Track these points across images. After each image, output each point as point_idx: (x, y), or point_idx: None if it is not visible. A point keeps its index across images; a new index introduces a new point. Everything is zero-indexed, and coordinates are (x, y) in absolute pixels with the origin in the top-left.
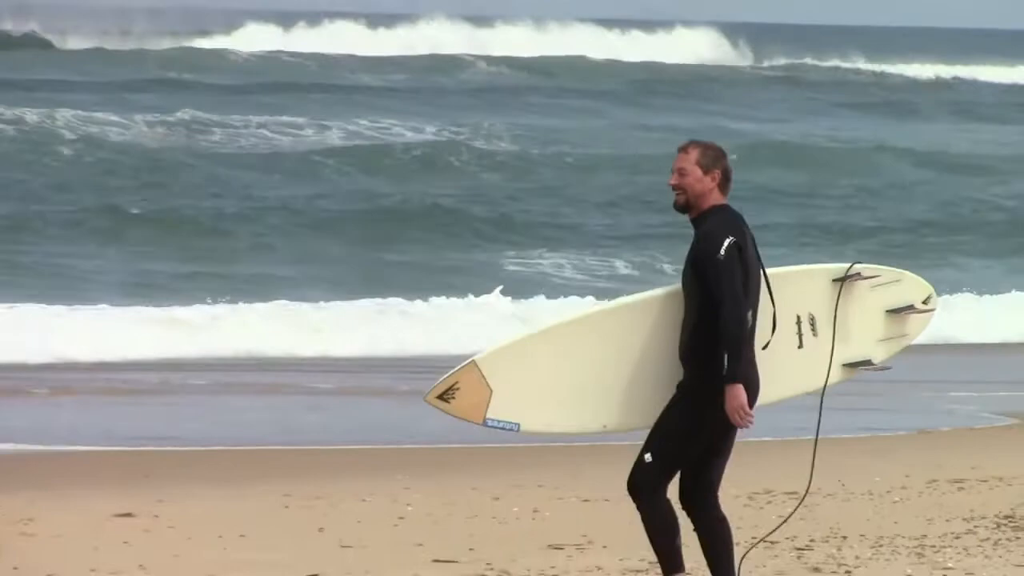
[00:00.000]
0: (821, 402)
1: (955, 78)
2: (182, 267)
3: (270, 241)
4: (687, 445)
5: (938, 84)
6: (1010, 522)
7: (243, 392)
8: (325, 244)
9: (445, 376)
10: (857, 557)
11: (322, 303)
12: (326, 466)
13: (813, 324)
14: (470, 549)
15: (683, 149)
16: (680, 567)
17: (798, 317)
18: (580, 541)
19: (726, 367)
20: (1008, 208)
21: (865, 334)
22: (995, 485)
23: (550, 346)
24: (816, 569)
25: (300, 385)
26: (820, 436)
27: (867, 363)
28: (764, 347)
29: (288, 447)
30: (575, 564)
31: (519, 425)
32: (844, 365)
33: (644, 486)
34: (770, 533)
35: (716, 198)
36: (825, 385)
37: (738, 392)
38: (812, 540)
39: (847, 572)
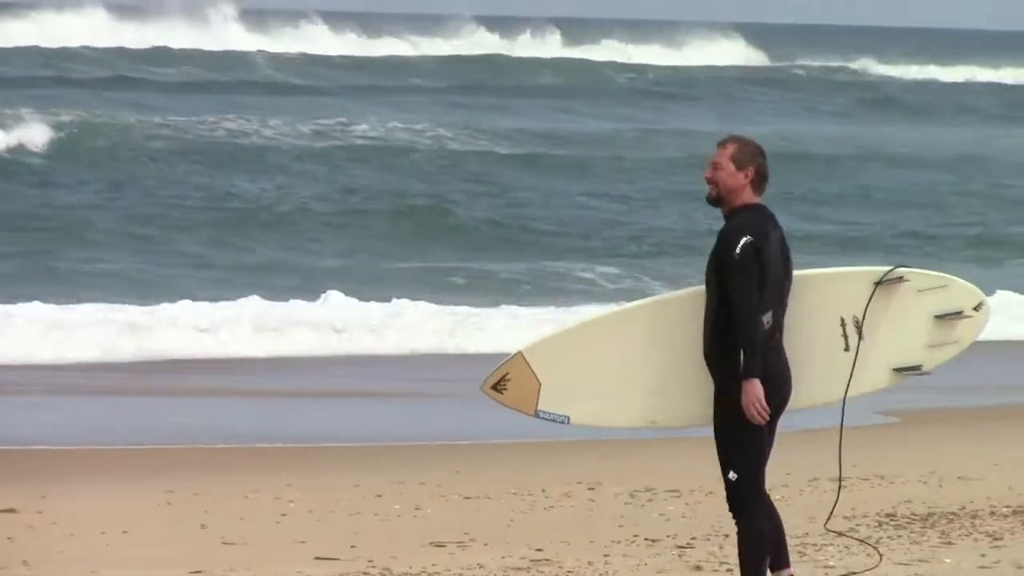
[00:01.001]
0: (844, 401)
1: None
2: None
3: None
4: (754, 444)
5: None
6: (892, 520)
7: (127, 392)
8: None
9: (498, 367)
10: None
11: (218, 303)
12: (208, 463)
13: (859, 328)
14: (352, 546)
15: (721, 144)
16: (786, 563)
17: (843, 320)
18: (462, 538)
19: (743, 363)
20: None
21: (913, 339)
22: (876, 484)
23: (596, 339)
24: (698, 567)
25: (193, 386)
26: (703, 435)
27: (917, 368)
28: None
29: (170, 445)
30: (457, 561)
31: (569, 418)
32: (894, 370)
33: (742, 503)
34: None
35: (748, 196)
36: (848, 387)
37: (754, 387)
38: (694, 538)
39: (728, 570)
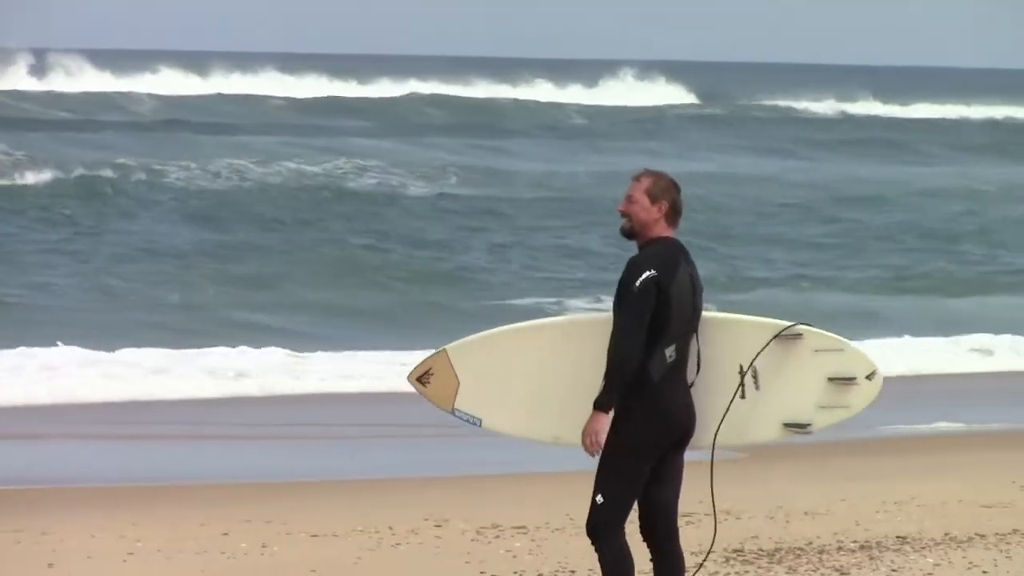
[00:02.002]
0: (713, 447)
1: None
2: None
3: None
4: (628, 477)
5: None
6: (739, 556)
7: None
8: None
9: (423, 360)
10: None
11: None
12: (55, 503)
13: (756, 378)
14: None
15: (636, 177)
16: None
17: (741, 367)
18: None
19: (600, 392)
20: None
21: (806, 397)
22: (723, 519)
23: (517, 346)
24: None
25: (35, 430)
26: (550, 470)
27: (805, 427)
28: (689, 386)
29: (17, 486)
30: None
31: (481, 421)
32: (784, 424)
33: (600, 528)
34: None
35: (662, 229)
36: (716, 433)
37: (599, 421)
38: (540, 575)
39: None
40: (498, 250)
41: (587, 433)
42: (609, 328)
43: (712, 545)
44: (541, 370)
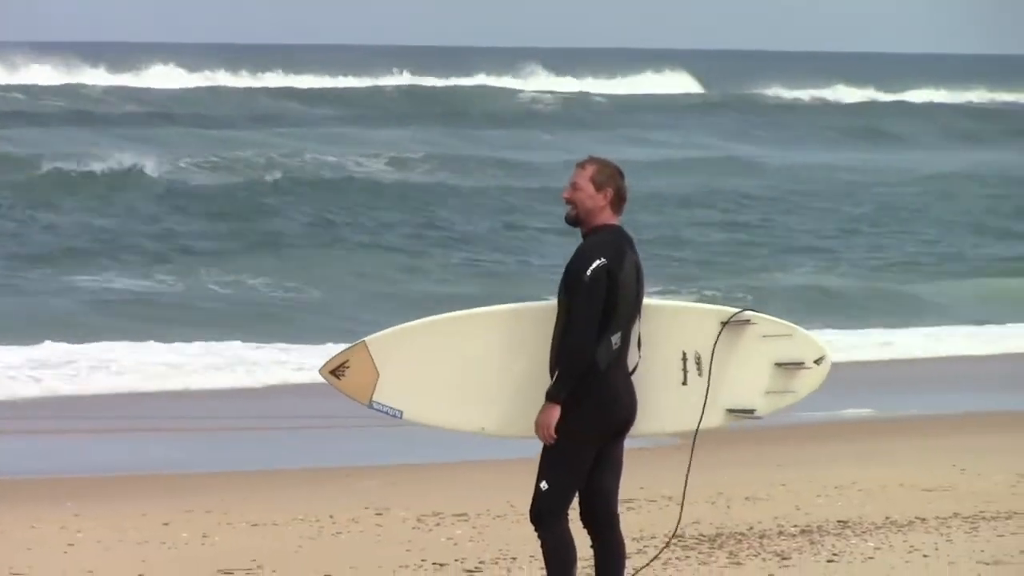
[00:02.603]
0: (694, 442)
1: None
2: None
3: None
4: (572, 464)
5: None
6: (679, 541)
7: None
8: None
9: (339, 352)
10: None
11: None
12: None
13: (699, 364)
14: (140, 575)
15: (580, 164)
16: None
17: (684, 354)
18: (250, 566)
19: (553, 384)
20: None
21: (752, 383)
22: (664, 505)
23: (440, 337)
24: None
25: None
26: (490, 458)
27: (750, 412)
28: (631, 372)
29: None
30: None
31: (402, 412)
32: (728, 410)
33: (544, 515)
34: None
35: (607, 217)
36: (699, 425)
37: (552, 413)
38: (482, 562)
39: None
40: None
41: (540, 425)
42: (535, 317)
43: (676, 530)
44: (465, 361)
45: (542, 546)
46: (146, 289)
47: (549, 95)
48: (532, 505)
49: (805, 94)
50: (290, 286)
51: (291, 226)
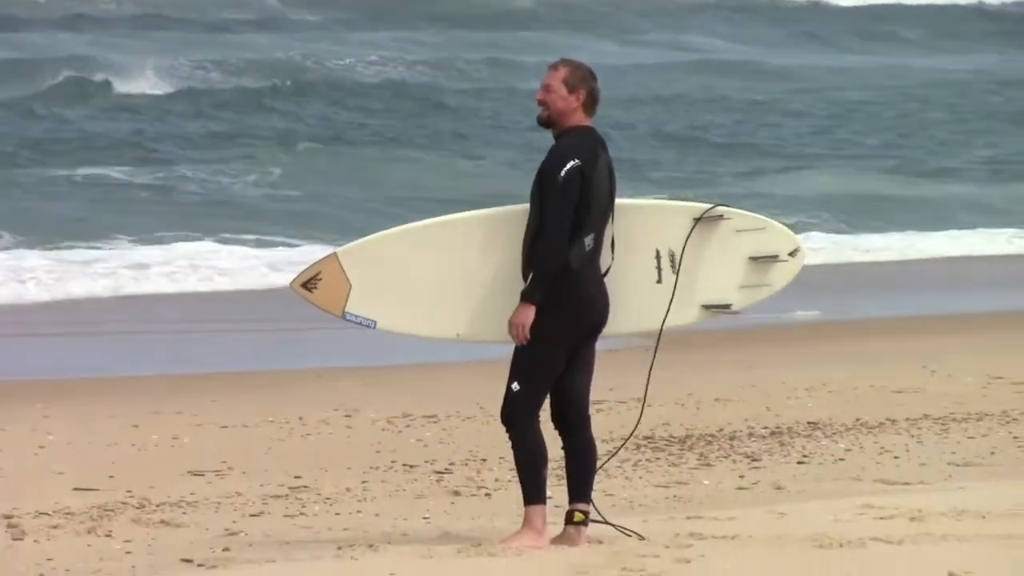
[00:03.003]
0: (659, 336)
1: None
2: None
3: None
4: (544, 365)
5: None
6: (650, 443)
7: None
8: None
9: (309, 265)
10: (496, 480)
11: None
12: None
13: (673, 261)
14: (110, 477)
15: (553, 66)
16: (543, 498)
17: (657, 252)
18: (220, 467)
19: (528, 284)
20: None
21: (726, 278)
22: (634, 407)
23: (412, 247)
24: (456, 492)
25: None
26: (460, 360)
27: (726, 307)
28: (604, 273)
29: None
30: (215, 490)
31: (376, 322)
32: (703, 306)
33: (515, 416)
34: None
35: (579, 119)
36: (664, 320)
37: (526, 313)
38: (452, 463)
39: (487, 494)
40: None
41: (514, 325)
42: (506, 221)
43: (635, 430)
44: (438, 268)
45: (513, 447)
46: (126, 182)
47: None
48: (503, 406)
49: None
50: (281, 187)
51: (302, 128)
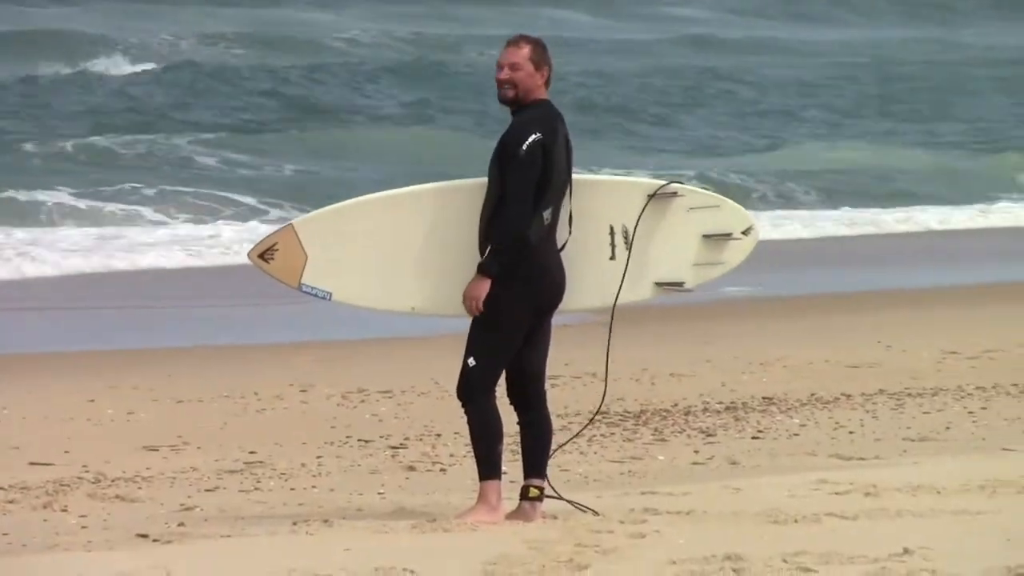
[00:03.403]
0: (612, 314)
1: None
2: None
3: None
4: (501, 340)
5: None
6: (604, 418)
7: None
8: None
9: (266, 236)
10: (451, 455)
11: None
12: None
13: (627, 238)
14: (66, 452)
15: (514, 43)
16: (498, 473)
17: (611, 228)
18: (175, 442)
19: (487, 256)
20: None
21: (680, 256)
22: (589, 382)
23: (368, 219)
24: (411, 467)
25: None
26: (414, 335)
27: (679, 285)
28: (561, 248)
29: None
30: (170, 465)
31: (331, 294)
32: (656, 284)
33: (472, 391)
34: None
35: (541, 93)
36: (616, 297)
37: (482, 286)
38: (407, 439)
39: (442, 469)
40: None
41: (468, 297)
42: (463, 194)
43: (600, 406)
44: (394, 241)
45: (468, 422)
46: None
47: None
48: (459, 381)
49: None
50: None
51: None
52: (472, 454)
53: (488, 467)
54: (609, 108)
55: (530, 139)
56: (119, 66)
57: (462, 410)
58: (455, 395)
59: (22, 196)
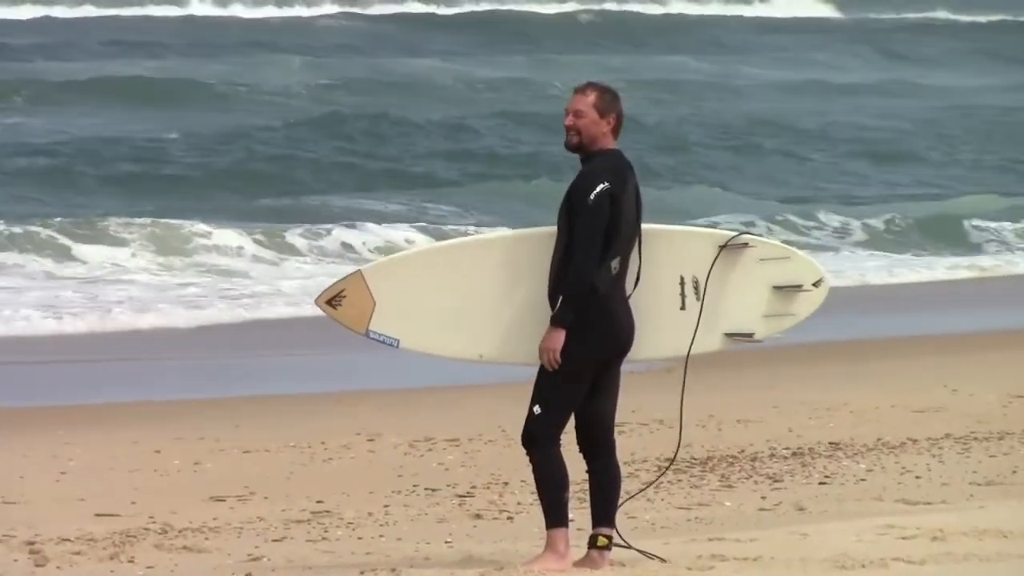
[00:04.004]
0: (686, 364)
1: None
2: None
3: None
4: (568, 388)
5: None
6: (672, 464)
7: None
8: None
9: (334, 282)
10: (519, 503)
11: None
12: None
13: (697, 289)
14: (132, 503)
15: (581, 91)
16: (565, 521)
17: (682, 278)
18: (242, 492)
19: (559, 308)
20: None
21: (750, 307)
22: (656, 429)
23: (439, 266)
24: (478, 515)
25: None
26: (481, 383)
27: (749, 336)
28: (628, 296)
29: None
30: (237, 515)
31: (399, 341)
32: (726, 335)
33: (537, 439)
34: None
35: (608, 142)
36: (690, 347)
37: (557, 337)
38: (474, 487)
39: (509, 518)
40: None
41: (544, 349)
42: (533, 243)
43: (676, 454)
44: (463, 289)
45: (534, 471)
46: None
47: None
48: (525, 429)
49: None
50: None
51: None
52: (538, 502)
53: (555, 515)
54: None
55: (598, 189)
56: None
57: (527, 458)
58: (520, 443)
59: None
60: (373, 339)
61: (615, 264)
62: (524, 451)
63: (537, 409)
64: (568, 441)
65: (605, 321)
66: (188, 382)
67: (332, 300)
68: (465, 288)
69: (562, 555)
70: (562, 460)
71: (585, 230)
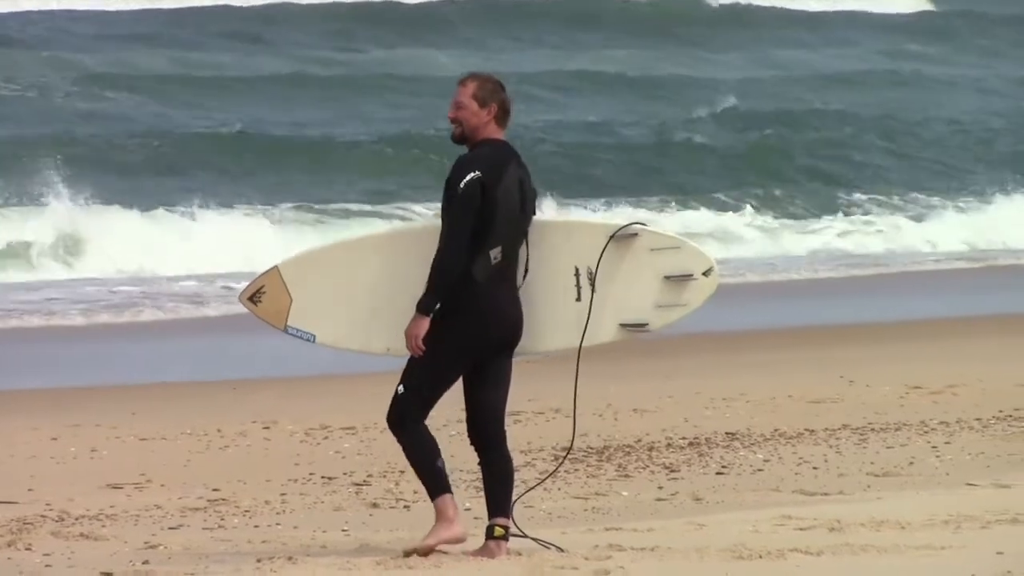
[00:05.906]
0: (579, 354)
1: None
2: None
3: None
4: (436, 373)
5: None
6: (568, 454)
7: None
8: None
9: (255, 278)
10: (415, 492)
11: None
12: None
13: (592, 279)
14: (29, 490)
15: (461, 82)
16: (446, 486)
17: (576, 269)
18: (139, 480)
19: (423, 295)
20: None
21: (643, 297)
22: (552, 417)
23: (351, 260)
24: (374, 504)
25: None
26: (378, 371)
27: (643, 326)
28: (519, 287)
29: None
30: (134, 503)
31: (315, 336)
32: (620, 325)
33: (400, 418)
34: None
35: (492, 131)
36: (583, 338)
37: (420, 324)
38: (370, 475)
39: (405, 506)
40: None
41: (408, 336)
42: (419, 235)
43: (572, 444)
44: (373, 282)
45: (404, 450)
46: None
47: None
48: (390, 408)
49: None
50: None
51: None
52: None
53: (434, 483)
54: None
55: (468, 177)
56: None
57: (396, 440)
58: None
59: None
60: (292, 335)
61: (495, 254)
62: (390, 431)
63: (401, 389)
64: (460, 431)
65: (485, 310)
66: (85, 370)
67: (253, 296)
68: (374, 282)
69: (452, 519)
70: (428, 433)
71: (452, 218)
